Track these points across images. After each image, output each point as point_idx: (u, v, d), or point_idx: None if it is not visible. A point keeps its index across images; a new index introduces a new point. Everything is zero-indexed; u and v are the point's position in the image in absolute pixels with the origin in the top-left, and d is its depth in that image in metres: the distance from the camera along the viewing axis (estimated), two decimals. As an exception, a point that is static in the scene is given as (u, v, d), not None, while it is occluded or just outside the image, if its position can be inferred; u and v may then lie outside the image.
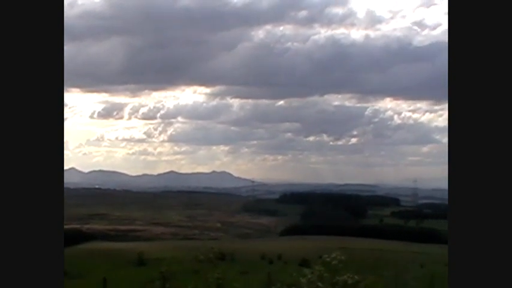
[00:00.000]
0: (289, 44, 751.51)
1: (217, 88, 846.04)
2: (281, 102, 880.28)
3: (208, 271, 9.46)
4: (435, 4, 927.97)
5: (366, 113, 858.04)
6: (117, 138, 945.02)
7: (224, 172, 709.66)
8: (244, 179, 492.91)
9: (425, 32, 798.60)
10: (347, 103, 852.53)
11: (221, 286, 8.71)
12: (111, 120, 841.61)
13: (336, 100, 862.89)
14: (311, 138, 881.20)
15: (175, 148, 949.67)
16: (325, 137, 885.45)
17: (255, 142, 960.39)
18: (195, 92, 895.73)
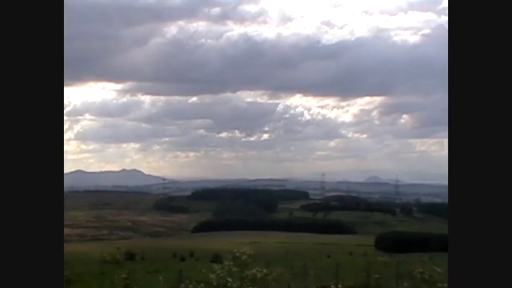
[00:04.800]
0: (202, 40, 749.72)
1: (127, 84, 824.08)
2: (193, 99, 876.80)
3: (115, 272, 9.17)
4: (341, 5, 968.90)
5: (277, 109, 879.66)
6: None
7: (134, 170, 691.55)
8: (156, 177, 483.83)
9: (333, 31, 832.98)
10: (259, 99, 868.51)
11: (128, 286, 8.47)
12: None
13: (248, 96, 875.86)
14: (223, 135, 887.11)
15: (83, 146, 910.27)
16: (237, 133, 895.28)
17: (166, 139, 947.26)
18: (103, 88, 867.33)
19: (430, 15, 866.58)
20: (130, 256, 46.61)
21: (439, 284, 8.77)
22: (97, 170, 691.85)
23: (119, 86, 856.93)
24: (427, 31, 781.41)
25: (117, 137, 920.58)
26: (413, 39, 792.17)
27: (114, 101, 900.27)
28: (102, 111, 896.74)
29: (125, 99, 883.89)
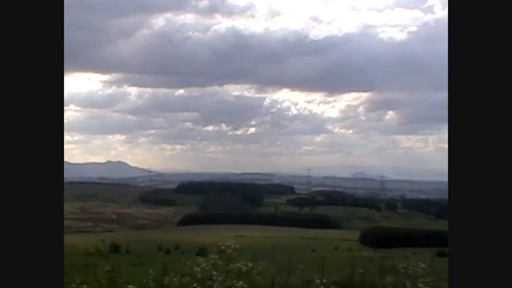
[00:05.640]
0: (189, 33, 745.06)
1: (113, 76, 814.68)
2: (180, 91, 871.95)
3: (99, 264, 9.12)
4: (329, 0, 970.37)
5: (264, 103, 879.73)
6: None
7: (120, 162, 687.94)
8: (141, 169, 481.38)
9: (321, 26, 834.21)
10: (246, 93, 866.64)
11: (112, 279, 8.43)
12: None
13: (236, 90, 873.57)
14: (210, 128, 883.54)
15: (67, 137, 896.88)
16: (224, 127, 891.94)
17: (152, 131, 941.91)
18: (89, 79, 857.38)
19: (417, 13, 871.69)
20: (115, 248, 46.47)
21: (422, 279, 8.87)
22: (82, 161, 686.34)
23: (105, 77, 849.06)
24: (413, 29, 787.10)
25: (103, 129, 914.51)
26: (399, 36, 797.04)
27: (100, 92, 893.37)
28: (88, 102, 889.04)
29: (111, 90, 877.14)
